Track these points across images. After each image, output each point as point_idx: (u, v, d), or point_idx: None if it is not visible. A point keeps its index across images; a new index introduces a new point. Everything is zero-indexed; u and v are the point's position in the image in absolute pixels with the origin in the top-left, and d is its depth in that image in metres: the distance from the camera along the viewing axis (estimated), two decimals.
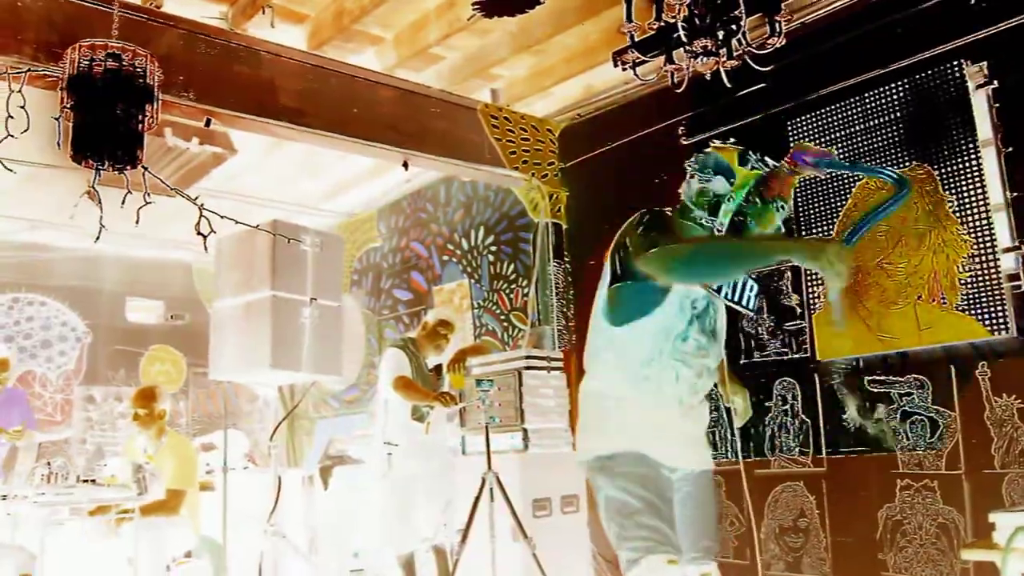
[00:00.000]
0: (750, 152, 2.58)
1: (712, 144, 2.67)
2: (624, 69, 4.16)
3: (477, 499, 4.87)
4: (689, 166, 2.69)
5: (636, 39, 3.66)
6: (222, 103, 4.55)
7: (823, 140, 4.66)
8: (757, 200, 2.54)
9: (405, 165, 5.57)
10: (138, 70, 3.77)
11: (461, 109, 5.78)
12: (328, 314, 4.81)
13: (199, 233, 3.80)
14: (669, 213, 2.73)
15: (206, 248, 3.84)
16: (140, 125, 3.79)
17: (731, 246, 2.48)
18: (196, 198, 3.79)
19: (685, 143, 5.36)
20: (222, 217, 3.87)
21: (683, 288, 2.61)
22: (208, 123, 4.58)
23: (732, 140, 2.71)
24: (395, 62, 5.46)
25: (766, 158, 2.59)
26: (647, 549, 2.39)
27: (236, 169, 6.34)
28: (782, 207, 2.57)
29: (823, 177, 2.70)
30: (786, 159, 2.52)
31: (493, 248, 6.70)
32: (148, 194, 3.77)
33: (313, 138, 5.07)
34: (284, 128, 4.83)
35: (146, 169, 3.81)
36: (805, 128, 4.76)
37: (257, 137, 5.37)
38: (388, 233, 7.83)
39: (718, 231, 2.58)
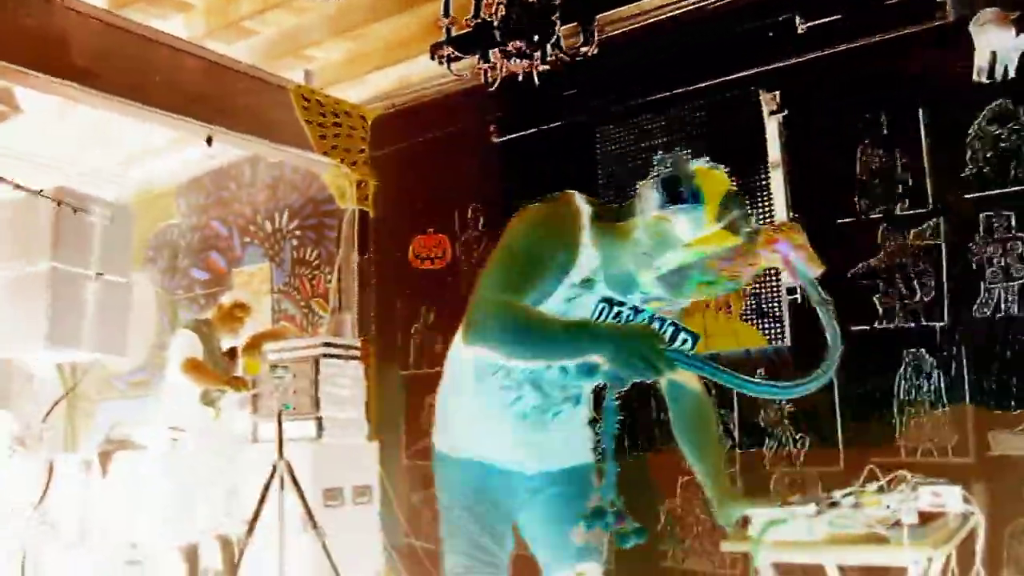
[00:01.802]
0: (735, 203, 1.86)
1: (697, 165, 1.91)
2: (440, 63, 4.17)
3: (267, 487, 4.74)
4: (659, 173, 1.91)
5: (453, 34, 3.67)
6: (4, 55, 4.19)
7: (628, 150, 4.84)
8: (708, 270, 1.87)
9: (209, 141, 5.34)
10: None
11: (272, 88, 5.60)
12: (115, 290, 4.56)
13: None
14: (591, 211, 2.02)
15: None
16: None
17: (550, 326, 1.91)
18: None
19: (495, 141, 5.43)
20: None
21: (571, 292, 2.02)
22: None
23: (725, 168, 1.95)
24: (204, 32, 5.23)
25: (750, 221, 1.90)
26: (466, 569, 2.25)
27: (21, 130, 5.88)
28: (730, 288, 1.96)
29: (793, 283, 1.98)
30: (769, 239, 1.92)
31: (297, 232, 6.55)
32: None
33: (106, 103, 4.76)
34: (74, 89, 4.51)
35: None
36: (612, 138, 4.93)
37: (46, 96, 4.99)
38: (188, 210, 7.48)
39: (649, 276, 1.93)
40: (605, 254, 1.98)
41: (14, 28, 4.26)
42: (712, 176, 1.87)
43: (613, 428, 1.87)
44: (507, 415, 2.19)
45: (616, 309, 1.98)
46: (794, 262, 1.87)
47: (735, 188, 1.90)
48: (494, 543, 2.24)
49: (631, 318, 1.98)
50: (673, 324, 1.99)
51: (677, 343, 1.95)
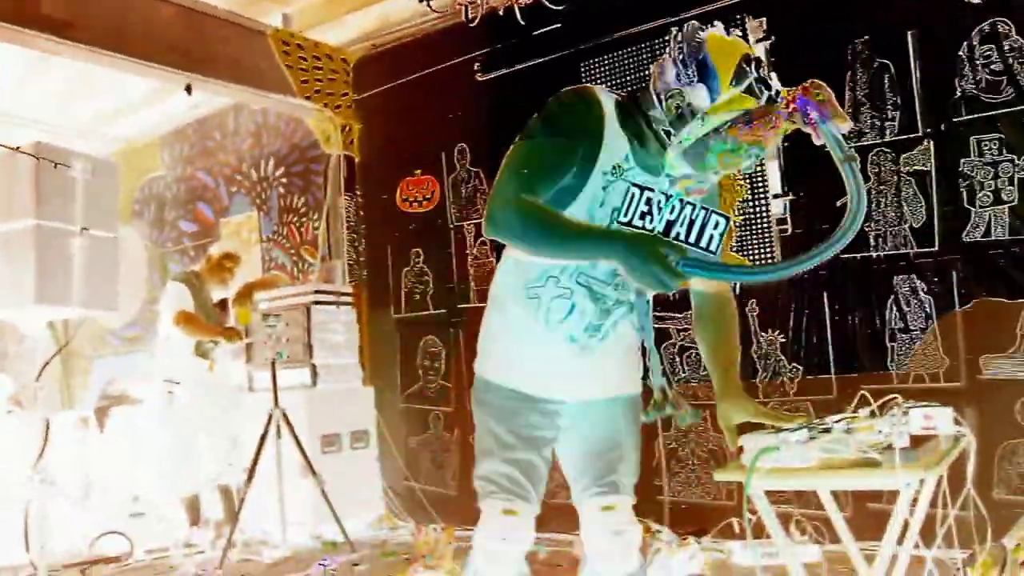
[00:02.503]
0: (752, 66, 1.82)
1: (711, 27, 1.90)
2: (420, 1, 4.10)
3: (263, 436, 4.78)
4: (674, 46, 1.89)
5: None
6: None
7: (613, 84, 4.77)
8: (729, 137, 1.84)
9: (188, 89, 5.27)
10: None
11: (251, 33, 5.50)
12: (102, 245, 4.49)
13: None
14: (614, 100, 2.00)
15: None
16: None
17: (565, 227, 1.89)
18: None
19: (480, 79, 5.35)
20: None
21: (603, 181, 1.98)
22: None
23: (738, 33, 1.96)
24: None
25: (771, 84, 1.84)
26: (488, 493, 2.17)
27: None
28: (754, 155, 1.89)
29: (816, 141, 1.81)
30: (788, 98, 1.79)
31: (284, 180, 6.50)
32: None
33: (82, 54, 4.67)
34: (46, 40, 4.41)
35: None
36: (597, 71, 4.87)
37: (19, 49, 4.88)
38: (172, 162, 7.41)
39: (671, 152, 1.92)
40: (632, 139, 1.97)
41: None
42: (724, 43, 1.86)
43: (650, 324, 2.05)
44: (553, 339, 2.10)
45: (647, 195, 1.89)
46: (816, 119, 1.76)
47: (750, 51, 1.86)
48: (524, 474, 2.16)
49: (662, 203, 1.90)
50: (704, 208, 1.91)
51: (709, 226, 1.89)
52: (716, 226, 1.90)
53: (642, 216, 1.89)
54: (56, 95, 6.41)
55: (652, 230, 1.89)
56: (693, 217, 1.90)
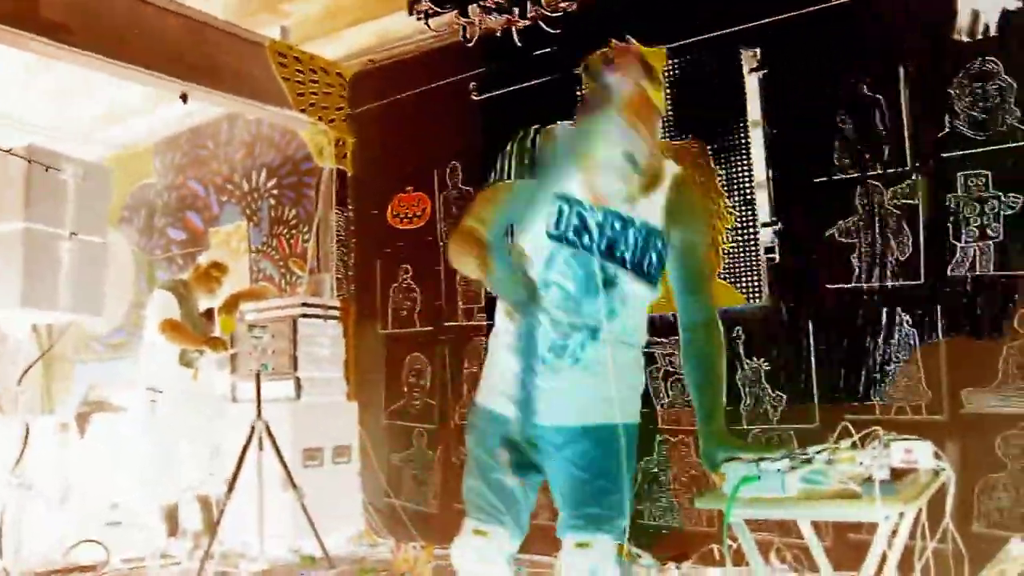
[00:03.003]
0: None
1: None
2: (418, 18, 4.13)
3: (245, 447, 4.76)
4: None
5: None
6: None
7: None
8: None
9: (184, 98, 5.27)
10: None
11: (248, 44, 5.52)
12: (90, 250, 4.50)
13: None
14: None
15: None
16: None
17: (469, 256, 1.94)
18: None
19: (475, 99, 5.37)
20: None
21: (545, 200, 2.06)
22: None
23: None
24: None
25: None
26: (467, 511, 2.19)
27: None
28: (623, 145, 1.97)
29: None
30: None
31: (275, 191, 6.50)
32: None
33: (79, 59, 4.67)
34: (44, 44, 4.41)
35: None
36: None
37: (17, 52, 4.88)
38: (164, 169, 7.40)
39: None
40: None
41: None
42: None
43: (532, 345, 1.99)
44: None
45: (576, 208, 2.04)
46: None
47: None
48: (497, 495, 2.16)
49: (585, 215, 2.04)
50: (620, 218, 2.05)
51: (651, 247, 2.06)
52: (656, 248, 2.06)
53: (576, 232, 2.04)
54: (52, 99, 6.40)
55: (589, 246, 2.03)
56: (635, 239, 2.05)
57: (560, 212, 2.04)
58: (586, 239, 2.04)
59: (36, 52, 4.64)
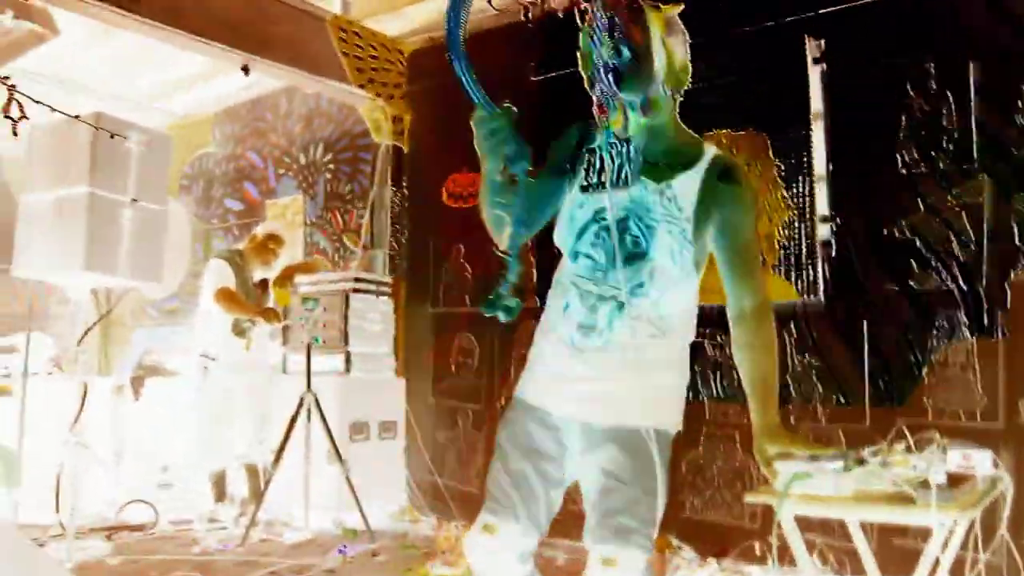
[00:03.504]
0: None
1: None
2: None
3: (294, 419, 4.83)
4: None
5: None
6: None
7: None
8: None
9: (245, 70, 5.32)
10: None
11: (309, 18, 5.55)
12: (150, 217, 4.57)
13: (7, 116, 3.51)
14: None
15: (15, 133, 3.55)
16: None
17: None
18: (6, 78, 3.48)
19: (534, 79, 5.35)
20: (36, 102, 3.58)
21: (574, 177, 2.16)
22: None
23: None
24: None
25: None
26: (484, 502, 2.14)
27: (58, 53, 5.86)
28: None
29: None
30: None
31: (331, 166, 6.55)
32: None
33: (147, 29, 4.75)
34: (112, 13, 4.48)
35: None
36: None
37: (85, 20, 4.97)
38: (223, 139, 7.49)
39: None
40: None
41: None
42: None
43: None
44: (555, 339, 2.12)
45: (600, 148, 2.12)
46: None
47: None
48: (515, 488, 2.09)
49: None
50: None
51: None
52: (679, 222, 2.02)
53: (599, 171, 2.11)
54: (115, 66, 6.50)
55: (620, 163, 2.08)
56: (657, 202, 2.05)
57: (588, 162, 2.13)
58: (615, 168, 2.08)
59: (103, 20, 4.72)
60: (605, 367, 2.06)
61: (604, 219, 2.06)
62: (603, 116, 2.04)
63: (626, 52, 2.00)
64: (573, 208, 2.11)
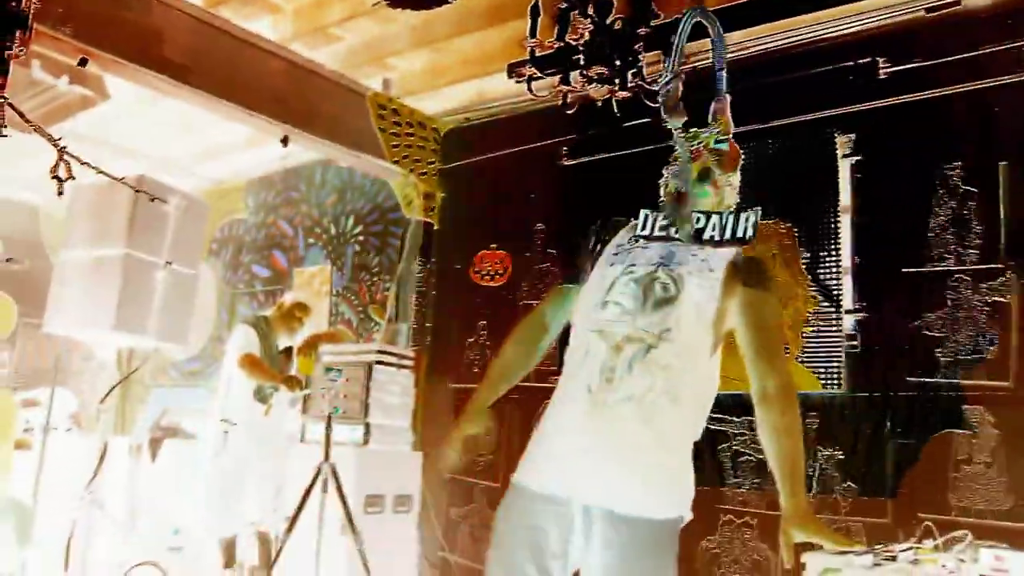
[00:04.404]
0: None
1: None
2: (518, 82, 4.21)
3: (310, 488, 4.79)
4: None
5: (535, 55, 3.70)
6: (102, 45, 4.32)
7: None
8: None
9: (284, 141, 5.45)
10: None
11: (350, 93, 5.70)
12: (182, 280, 4.65)
13: (55, 177, 3.59)
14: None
15: (60, 193, 3.63)
16: (6, 52, 3.55)
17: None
18: (58, 140, 3.59)
19: (565, 164, 5.45)
20: (83, 163, 3.67)
21: (614, 247, 2.33)
22: (84, 63, 4.33)
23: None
24: (291, 35, 5.33)
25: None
26: None
27: (106, 116, 6.03)
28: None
29: None
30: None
31: (361, 238, 6.63)
32: (4, 127, 3.54)
33: (195, 98, 4.88)
34: (165, 83, 4.63)
35: (5, 100, 3.57)
36: None
37: (133, 87, 5.13)
38: (255, 207, 7.62)
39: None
40: None
41: (113, 20, 4.40)
42: None
43: None
44: (569, 396, 2.13)
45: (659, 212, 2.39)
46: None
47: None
48: None
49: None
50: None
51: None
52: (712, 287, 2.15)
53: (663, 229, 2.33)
54: (156, 130, 6.67)
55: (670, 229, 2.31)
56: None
57: (646, 218, 2.34)
58: (672, 230, 2.29)
59: (157, 89, 4.86)
60: (624, 423, 2.03)
61: (633, 271, 2.16)
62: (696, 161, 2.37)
63: (727, 144, 2.36)
64: (602, 271, 2.25)
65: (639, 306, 2.09)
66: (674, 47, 2.53)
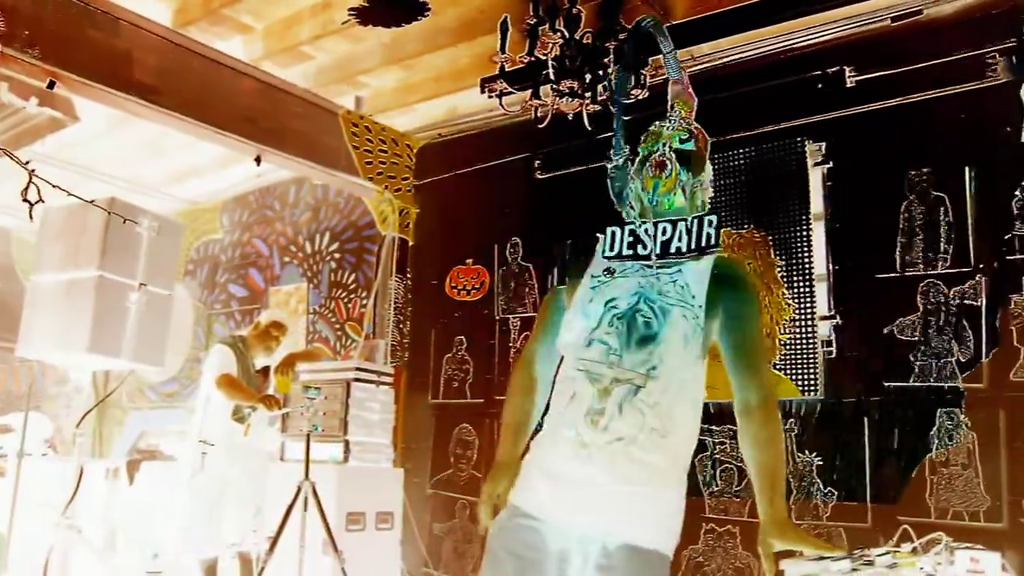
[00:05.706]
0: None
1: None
2: (490, 97, 4.24)
3: (290, 508, 4.76)
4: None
5: (506, 69, 3.72)
6: (70, 67, 4.31)
7: None
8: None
9: (258, 160, 5.44)
10: None
11: (322, 112, 5.70)
12: (157, 302, 4.62)
13: (25, 200, 3.57)
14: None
15: (31, 217, 3.60)
16: None
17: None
18: (27, 163, 3.56)
19: (539, 177, 5.47)
20: (54, 186, 3.64)
21: (591, 279, 2.25)
22: (52, 85, 4.32)
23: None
24: (262, 54, 5.33)
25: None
26: None
27: (76, 138, 6.00)
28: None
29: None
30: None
31: (336, 255, 6.62)
32: None
33: (165, 119, 4.87)
34: (135, 104, 4.62)
35: None
36: None
37: (103, 108, 5.10)
38: (230, 226, 7.60)
39: None
40: None
41: (81, 41, 4.38)
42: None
43: None
44: (557, 436, 2.11)
45: (628, 228, 2.27)
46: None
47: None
48: None
49: (637, 230, 2.24)
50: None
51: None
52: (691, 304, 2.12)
53: (631, 245, 2.23)
54: (128, 152, 6.64)
55: (647, 251, 2.21)
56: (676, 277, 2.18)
57: (612, 236, 2.27)
58: (640, 247, 2.21)
59: (127, 110, 4.84)
60: (613, 465, 2.03)
61: (615, 307, 2.13)
62: (659, 172, 2.22)
63: (693, 142, 2.26)
64: (583, 306, 2.18)
65: (624, 343, 2.08)
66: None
